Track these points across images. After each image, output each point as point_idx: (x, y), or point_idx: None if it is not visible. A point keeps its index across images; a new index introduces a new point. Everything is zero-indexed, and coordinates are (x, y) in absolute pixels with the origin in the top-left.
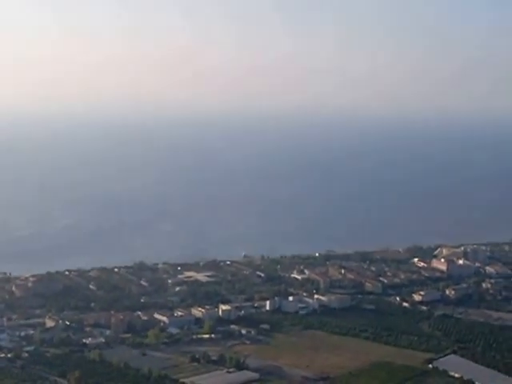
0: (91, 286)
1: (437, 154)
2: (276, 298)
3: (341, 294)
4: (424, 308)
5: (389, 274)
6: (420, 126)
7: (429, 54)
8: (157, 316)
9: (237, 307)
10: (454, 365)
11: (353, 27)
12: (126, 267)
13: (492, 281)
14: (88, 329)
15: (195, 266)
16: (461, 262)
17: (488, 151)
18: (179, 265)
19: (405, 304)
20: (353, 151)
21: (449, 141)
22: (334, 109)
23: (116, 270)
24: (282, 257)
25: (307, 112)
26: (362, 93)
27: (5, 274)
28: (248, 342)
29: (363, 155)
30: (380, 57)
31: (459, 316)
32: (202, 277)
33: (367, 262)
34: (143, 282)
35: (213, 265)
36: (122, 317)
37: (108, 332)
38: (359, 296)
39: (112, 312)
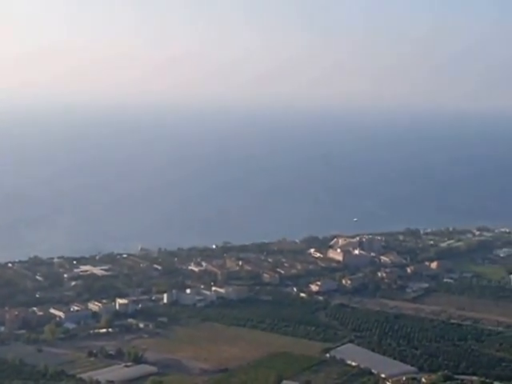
0: None
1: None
2: (173, 291)
3: (238, 285)
4: (321, 298)
5: (286, 264)
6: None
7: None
8: (52, 311)
9: (134, 301)
10: (351, 353)
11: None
12: (20, 262)
13: (387, 270)
14: None
15: (91, 260)
16: (356, 252)
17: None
18: (75, 259)
19: (302, 294)
20: (238, 142)
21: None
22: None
23: (10, 265)
24: (179, 249)
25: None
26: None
27: None
28: (146, 336)
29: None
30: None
31: (355, 305)
32: (98, 271)
33: (264, 253)
34: (38, 277)
35: (109, 258)
36: (16, 313)
37: (2, 328)
38: (257, 287)
39: (6, 308)
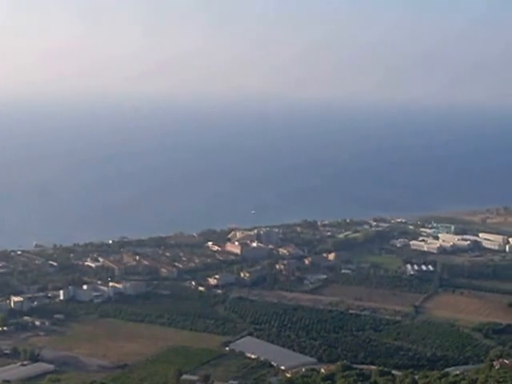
0: None
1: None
2: (70, 287)
3: (136, 280)
4: (219, 291)
5: (184, 258)
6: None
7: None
8: None
9: (29, 298)
10: (251, 346)
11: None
12: None
13: (285, 262)
14: None
15: None
16: (254, 244)
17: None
18: None
19: (200, 288)
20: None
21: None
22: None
23: None
24: (74, 245)
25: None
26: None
27: None
28: (42, 334)
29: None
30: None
31: (254, 298)
32: None
33: (162, 247)
34: None
35: (3, 255)
36: None
37: None
38: (155, 282)
39: None
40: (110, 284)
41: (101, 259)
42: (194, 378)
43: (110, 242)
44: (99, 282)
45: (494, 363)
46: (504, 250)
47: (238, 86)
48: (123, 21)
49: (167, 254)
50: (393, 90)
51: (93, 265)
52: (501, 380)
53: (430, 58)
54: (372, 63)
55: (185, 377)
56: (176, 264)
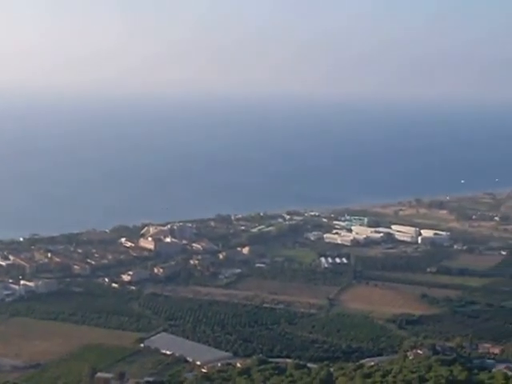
0: None
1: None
2: None
3: (48, 278)
4: (133, 288)
5: (96, 255)
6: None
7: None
8: None
9: None
10: (166, 342)
11: None
12: None
13: (199, 257)
14: None
15: None
16: (168, 240)
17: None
18: None
19: (114, 285)
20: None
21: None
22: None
23: None
24: None
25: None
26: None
27: None
28: None
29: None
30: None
31: (168, 294)
32: None
33: (74, 244)
34: None
35: None
36: None
37: None
38: (67, 279)
39: None
40: (22, 282)
41: (11, 257)
42: (109, 375)
43: (21, 239)
44: (10, 281)
45: (408, 354)
46: (416, 242)
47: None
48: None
49: (79, 251)
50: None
51: (3, 263)
52: (414, 370)
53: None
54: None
55: (99, 375)
56: (89, 261)
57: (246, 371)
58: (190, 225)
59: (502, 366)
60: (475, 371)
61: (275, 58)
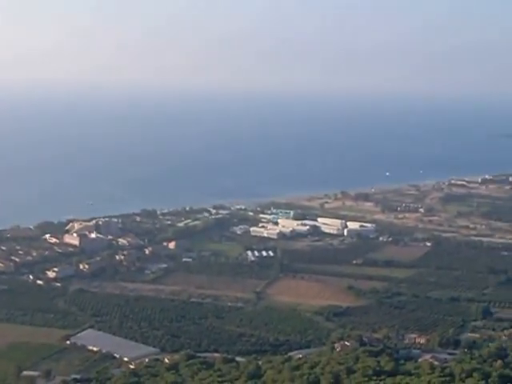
0: None
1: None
2: None
3: None
4: (58, 284)
5: (20, 252)
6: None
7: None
8: None
9: None
10: (92, 339)
11: None
12: None
13: (125, 252)
14: None
15: None
16: (93, 235)
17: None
18: None
19: (39, 282)
20: None
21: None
22: None
23: None
24: None
25: None
26: None
27: None
28: None
29: None
30: None
31: (94, 290)
32: None
33: None
34: None
35: None
36: None
37: None
38: None
39: None
40: None
41: None
42: (35, 373)
43: None
44: None
45: (336, 346)
46: (342, 234)
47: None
48: None
49: (3, 248)
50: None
51: None
52: (342, 362)
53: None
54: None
55: (25, 373)
56: (13, 258)
57: (173, 366)
58: (115, 220)
59: (427, 356)
60: (402, 361)
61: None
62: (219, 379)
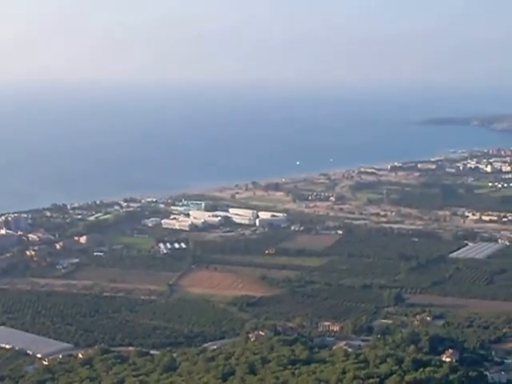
0: None
1: None
2: None
3: None
4: None
5: None
6: None
7: None
8: None
9: None
10: (4, 336)
11: None
12: None
13: (36, 248)
14: None
15: None
16: (2, 231)
17: None
18: None
19: None
20: None
21: None
22: None
23: None
24: None
25: None
26: None
27: None
28: None
29: None
30: None
31: (5, 287)
32: None
33: None
34: None
35: None
36: None
37: None
38: None
39: None
40: None
41: None
42: None
43: None
44: None
45: (250, 336)
46: (254, 225)
47: None
48: None
49: None
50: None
51: None
52: (257, 351)
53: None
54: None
55: None
56: None
57: (88, 361)
58: (24, 215)
59: (341, 344)
60: (316, 349)
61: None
62: (134, 373)
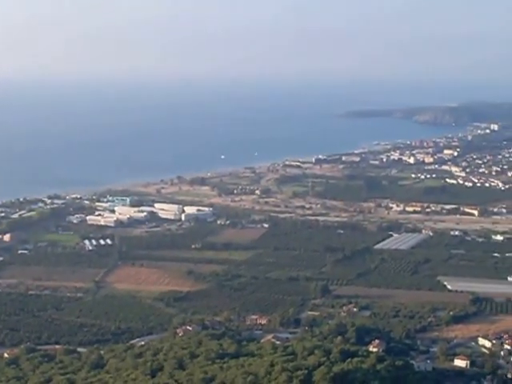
0: None
1: None
2: None
3: None
4: None
5: None
6: None
7: None
8: None
9: None
10: None
11: None
12: None
13: None
14: None
15: None
16: None
17: None
18: None
19: None
20: None
21: None
22: None
23: None
24: None
25: None
26: None
27: None
28: None
29: None
30: None
31: None
32: None
33: None
34: None
35: None
36: None
37: None
38: None
39: None
40: None
41: None
42: None
43: None
44: None
45: (178, 331)
46: (180, 219)
47: None
48: None
49: None
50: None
51: None
52: (185, 346)
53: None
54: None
55: None
56: None
57: (14, 361)
58: None
59: (269, 336)
60: (244, 343)
61: None
62: (61, 371)
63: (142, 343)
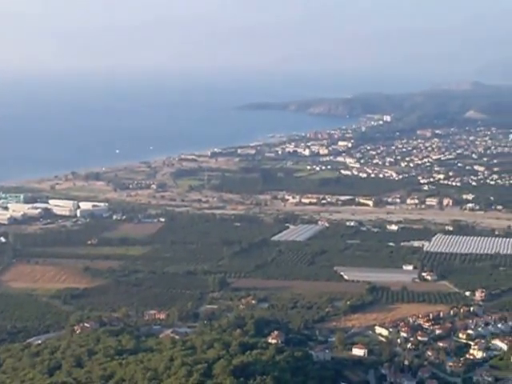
0: None
1: None
2: None
3: None
4: None
5: None
6: None
7: None
8: None
9: None
10: None
11: None
12: None
13: None
14: None
15: None
16: None
17: None
18: None
19: None
20: None
21: None
22: None
23: None
24: None
25: None
26: None
27: None
28: None
29: None
30: None
31: None
32: None
33: None
34: None
35: None
36: None
37: None
38: None
39: None
40: None
41: None
42: None
43: None
44: None
45: (75, 328)
46: (75, 215)
47: None
48: None
49: None
50: None
51: None
52: (83, 344)
53: None
54: None
55: None
56: None
57: None
58: None
59: (168, 331)
60: (143, 338)
61: None
62: None
63: (39, 342)
